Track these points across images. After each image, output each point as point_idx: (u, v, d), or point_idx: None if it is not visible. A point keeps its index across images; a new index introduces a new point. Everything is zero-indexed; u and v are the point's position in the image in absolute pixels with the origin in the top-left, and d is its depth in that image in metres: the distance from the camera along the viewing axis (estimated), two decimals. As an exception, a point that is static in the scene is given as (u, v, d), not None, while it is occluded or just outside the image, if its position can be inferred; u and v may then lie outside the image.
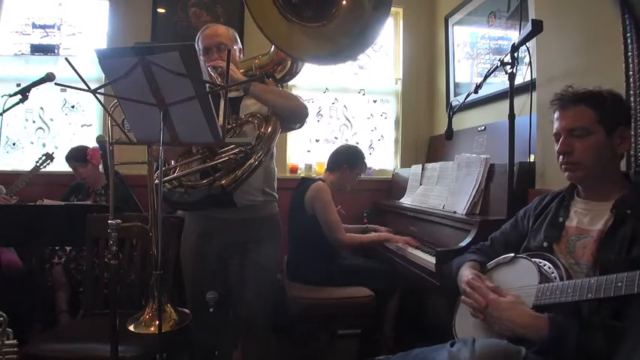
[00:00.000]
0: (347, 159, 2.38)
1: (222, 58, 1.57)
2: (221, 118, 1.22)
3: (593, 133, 1.11)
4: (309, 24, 1.58)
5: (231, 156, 1.42)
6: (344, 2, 1.58)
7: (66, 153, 2.54)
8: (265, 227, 1.70)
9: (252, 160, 1.45)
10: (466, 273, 1.29)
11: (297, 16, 1.56)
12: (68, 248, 2.38)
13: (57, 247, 2.38)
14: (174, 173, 1.50)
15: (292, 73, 1.77)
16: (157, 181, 1.44)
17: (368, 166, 3.11)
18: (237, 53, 1.69)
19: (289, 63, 1.72)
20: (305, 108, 1.63)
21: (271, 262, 1.72)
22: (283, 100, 1.59)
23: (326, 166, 2.45)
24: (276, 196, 1.77)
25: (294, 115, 1.60)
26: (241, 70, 1.67)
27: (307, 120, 1.67)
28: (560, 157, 1.16)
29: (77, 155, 2.50)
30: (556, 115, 1.19)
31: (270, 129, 1.54)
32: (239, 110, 1.62)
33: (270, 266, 1.72)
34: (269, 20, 1.52)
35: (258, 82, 1.57)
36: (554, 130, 1.19)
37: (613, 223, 1.07)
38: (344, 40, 1.58)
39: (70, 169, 2.63)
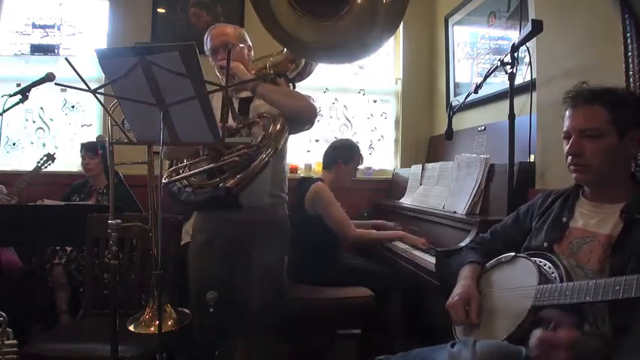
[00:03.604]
0: (340, 154, 2.35)
1: (231, 58, 1.54)
2: (222, 118, 1.21)
3: (605, 135, 1.06)
4: (319, 20, 1.52)
5: (236, 158, 1.40)
6: (358, 1, 1.51)
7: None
8: (272, 230, 1.67)
9: (257, 162, 1.43)
10: (461, 283, 1.26)
11: (307, 13, 1.50)
12: (69, 248, 2.38)
13: (57, 247, 2.38)
14: (182, 172, 1.51)
15: (305, 72, 1.72)
16: (164, 181, 1.46)
17: (368, 165, 3.15)
18: (246, 52, 1.65)
19: (302, 61, 1.68)
20: (313, 109, 1.58)
21: (276, 265, 1.69)
22: (289, 99, 1.55)
23: (322, 165, 2.44)
24: (286, 197, 1.73)
25: (300, 116, 1.55)
26: (254, 70, 1.64)
27: (318, 120, 1.63)
28: (569, 157, 1.12)
29: (89, 145, 2.52)
30: (568, 112, 1.14)
31: (276, 129, 1.51)
32: (249, 111, 1.60)
33: (276, 269, 1.69)
34: (279, 19, 1.47)
35: (262, 81, 1.55)
36: (565, 129, 1.14)
37: (623, 228, 1.04)
38: (353, 39, 1.52)
39: (72, 170, 2.63)
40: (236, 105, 1.63)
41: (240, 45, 1.63)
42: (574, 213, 1.18)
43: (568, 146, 1.12)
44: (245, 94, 1.63)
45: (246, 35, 1.68)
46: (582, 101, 1.11)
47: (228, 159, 1.42)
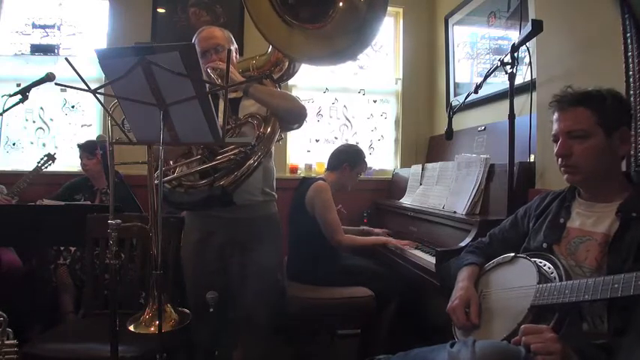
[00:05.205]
0: (347, 158, 2.38)
1: (221, 59, 1.58)
2: (221, 119, 1.22)
3: (592, 135, 1.09)
4: (308, 25, 1.58)
5: (232, 156, 1.43)
6: (340, 3, 1.58)
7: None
8: (265, 226, 1.70)
9: (251, 161, 1.46)
10: (459, 285, 1.27)
11: (295, 19, 1.56)
12: (73, 249, 2.38)
13: (62, 248, 2.37)
14: (173, 173, 1.51)
15: (290, 74, 1.77)
16: (156, 182, 1.46)
17: (368, 166, 3.14)
18: (234, 54, 1.69)
19: (287, 63, 1.72)
20: (304, 109, 1.64)
21: (272, 261, 1.72)
22: (282, 101, 1.60)
23: (326, 166, 2.45)
24: (275, 195, 1.78)
25: (293, 116, 1.61)
26: (239, 71, 1.68)
27: (306, 120, 1.68)
28: (559, 159, 1.15)
29: (87, 145, 2.52)
30: (555, 116, 1.17)
31: (269, 130, 1.55)
32: (238, 111, 1.63)
33: (271, 265, 1.72)
34: (270, 24, 1.52)
35: (256, 82, 1.58)
36: (553, 132, 1.18)
37: (620, 227, 1.05)
38: (343, 40, 1.58)
39: (72, 170, 2.63)
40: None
41: (231, 47, 1.65)
42: (571, 213, 1.19)
43: (557, 148, 1.15)
44: (233, 94, 1.66)
45: (232, 37, 1.72)
46: (567, 104, 1.14)
47: (225, 157, 1.43)
